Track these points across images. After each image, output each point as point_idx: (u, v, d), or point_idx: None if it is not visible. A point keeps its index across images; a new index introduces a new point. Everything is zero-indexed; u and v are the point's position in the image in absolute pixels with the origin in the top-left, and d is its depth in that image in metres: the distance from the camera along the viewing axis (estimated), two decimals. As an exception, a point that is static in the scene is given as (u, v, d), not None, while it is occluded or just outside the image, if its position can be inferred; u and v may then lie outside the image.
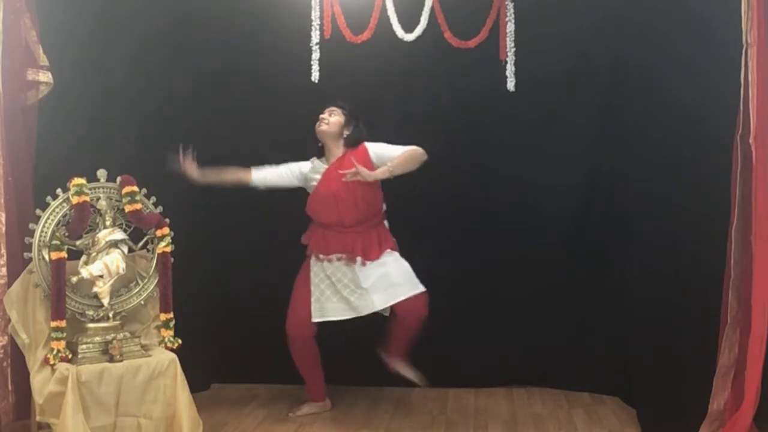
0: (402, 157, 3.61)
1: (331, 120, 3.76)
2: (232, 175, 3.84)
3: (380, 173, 3.59)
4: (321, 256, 3.76)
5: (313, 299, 3.74)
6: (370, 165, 3.65)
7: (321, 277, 3.76)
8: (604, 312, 4.13)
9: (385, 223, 3.86)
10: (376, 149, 3.71)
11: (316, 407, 3.91)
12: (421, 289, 3.63)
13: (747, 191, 2.71)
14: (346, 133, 3.77)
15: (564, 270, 4.21)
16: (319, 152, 3.87)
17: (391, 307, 3.66)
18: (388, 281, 3.62)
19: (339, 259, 3.71)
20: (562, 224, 4.21)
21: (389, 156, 3.65)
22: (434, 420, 3.79)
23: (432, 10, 4.18)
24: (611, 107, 4.04)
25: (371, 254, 3.67)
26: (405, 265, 3.70)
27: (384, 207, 3.84)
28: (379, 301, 3.61)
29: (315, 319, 3.73)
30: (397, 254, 3.75)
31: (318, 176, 3.78)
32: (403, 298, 3.59)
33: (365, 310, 3.65)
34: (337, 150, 3.78)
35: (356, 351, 4.33)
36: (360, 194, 3.66)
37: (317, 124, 3.78)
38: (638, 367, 3.70)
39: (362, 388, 4.28)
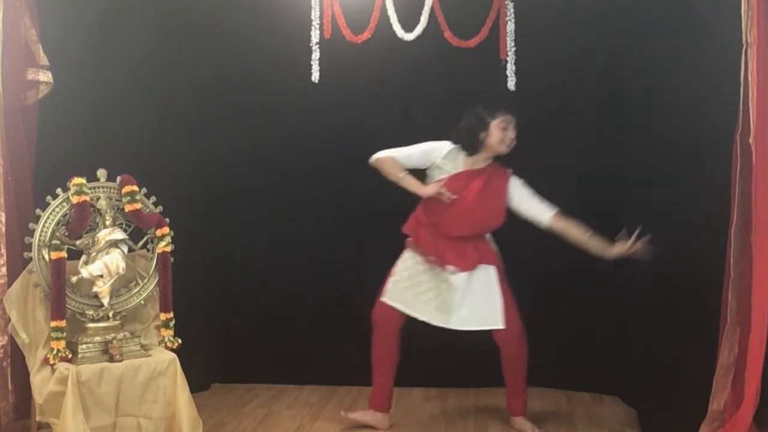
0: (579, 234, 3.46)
1: (513, 142, 3.56)
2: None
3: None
4: (423, 254, 3.57)
5: (391, 280, 3.58)
6: (504, 197, 3.54)
7: (410, 268, 3.59)
8: (604, 312, 4.12)
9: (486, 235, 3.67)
10: (520, 192, 3.57)
11: (372, 417, 3.65)
12: (501, 325, 3.50)
13: (747, 191, 2.70)
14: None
15: (564, 269, 4.20)
16: (465, 143, 3.56)
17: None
18: (473, 302, 3.50)
19: (433, 262, 3.53)
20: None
21: (533, 209, 3.53)
22: (434, 420, 3.79)
23: (432, 9, 4.18)
24: (611, 107, 4.04)
25: (466, 264, 3.50)
26: (496, 289, 3.55)
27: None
28: (457, 321, 3.50)
29: (385, 299, 3.57)
30: (493, 271, 3.57)
31: (450, 170, 3.55)
32: (476, 327, 3.50)
33: (453, 324, 3.52)
34: (486, 160, 3.58)
35: (356, 350, 4.34)
36: (485, 212, 3.53)
37: (504, 130, 3.53)
38: (638, 367, 3.70)
39: (362, 388, 4.27)
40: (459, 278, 3.50)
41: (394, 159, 3.54)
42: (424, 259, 3.57)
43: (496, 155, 3.59)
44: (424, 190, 3.48)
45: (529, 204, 3.56)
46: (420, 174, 3.61)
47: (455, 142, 3.60)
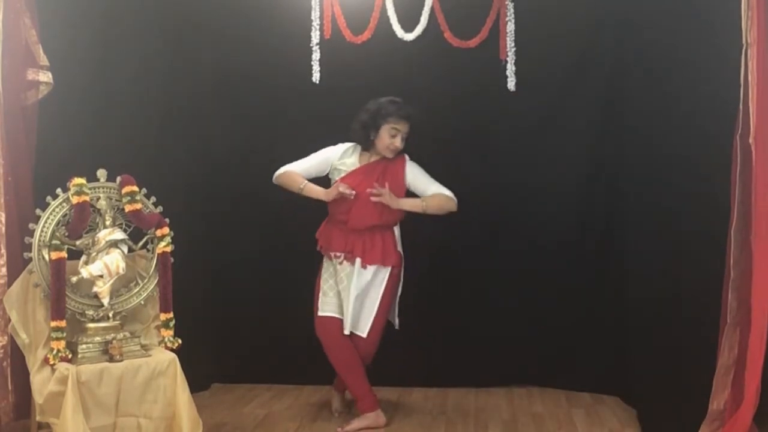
0: (440, 201, 3.58)
1: (401, 143, 3.59)
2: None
3: (410, 205, 3.57)
4: (329, 252, 3.66)
5: (320, 294, 3.65)
6: (403, 182, 3.62)
7: (330, 272, 3.66)
8: (604, 312, 4.13)
9: (395, 230, 3.68)
10: (415, 172, 3.64)
11: (367, 420, 3.61)
12: (362, 334, 3.56)
13: (747, 191, 2.71)
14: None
15: (564, 269, 4.21)
16: (357, 139, 3.66)
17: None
18: (361, 304, 3.56)
19: (339, 257, 3.61)
20: (562, 223, 4.21)
21: (423, 187, 3.61)
22: (434, 420, 3.79)
23: (432, 9, 4.19)
24: (611, 107, 4.05)
25: (373, 257, 3.57)
26: (378, 297, 3.58)
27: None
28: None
29: (321, 314, 3.62)
30: (386, 275, 3.60)
31: (348, 168, 3.63)
32: (351, 330, 3.55)
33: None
34: (377, 154, 3.64)
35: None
36: (382, 204, 3.55)
37: (392, 137, 3.55)
38: (638, 367, 3.70)
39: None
40: (359, 277, 3.55)
41: (294, 172, 3.64)
42: (333, 256, 3.62)
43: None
44: (326, 196, 3.56)
45: (419, 182, 3.64)
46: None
47: (351, 135, 3.68)
